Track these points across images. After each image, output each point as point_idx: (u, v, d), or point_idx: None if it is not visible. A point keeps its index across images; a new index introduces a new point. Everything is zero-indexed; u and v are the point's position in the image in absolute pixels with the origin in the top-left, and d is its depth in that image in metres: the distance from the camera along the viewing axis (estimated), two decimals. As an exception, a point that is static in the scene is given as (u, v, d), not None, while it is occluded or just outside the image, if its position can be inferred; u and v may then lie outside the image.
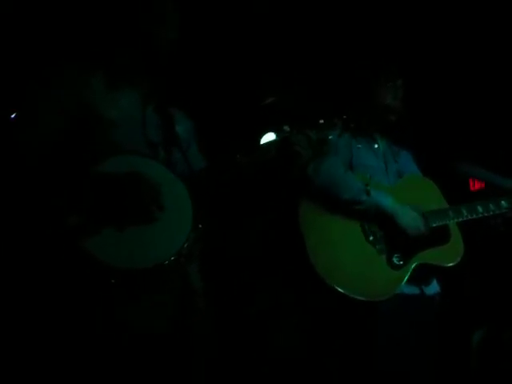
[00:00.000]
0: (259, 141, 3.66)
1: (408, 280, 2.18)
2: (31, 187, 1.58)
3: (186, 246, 1.63)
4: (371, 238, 2.22)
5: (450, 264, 2.25)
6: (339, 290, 2.09)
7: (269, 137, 3.78)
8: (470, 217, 2.35)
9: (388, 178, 2.43)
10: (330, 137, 2.01)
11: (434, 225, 2.29)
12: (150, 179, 1.62)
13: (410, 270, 2.19)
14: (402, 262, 2.19)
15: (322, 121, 1.92)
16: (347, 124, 2.00)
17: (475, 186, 3.66)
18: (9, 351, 1.68)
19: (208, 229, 1.76)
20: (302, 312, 2.61)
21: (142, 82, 1.85)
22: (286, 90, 3.73)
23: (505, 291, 3.36)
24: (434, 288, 2.34)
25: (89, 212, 1.54)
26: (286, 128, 1.89)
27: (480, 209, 2.37)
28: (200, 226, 1.70)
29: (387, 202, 2.22)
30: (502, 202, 2.41)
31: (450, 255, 2.27)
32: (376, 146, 2.50)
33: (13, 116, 1.70)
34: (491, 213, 2.39)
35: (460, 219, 2.34)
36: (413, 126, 2.78)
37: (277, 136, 1.93)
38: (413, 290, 2.24)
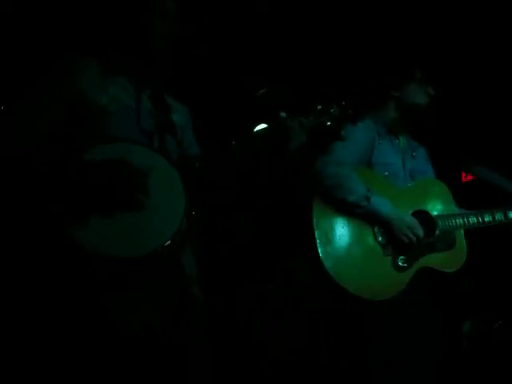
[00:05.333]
0: (253, 130, 3.71)
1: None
2: (18, 175, 1.57)
3: (177, 233, 1.61)
4: (380, 239, 2.30)
5: (452, 270, 2.35)
6: (344, 287, 2.19)
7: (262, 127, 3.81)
8: (477, 225, 2.44)
9: (404, 175, 2.49)
10: (328, 123, 1.99)
11: (440, 229, 2.37)
12: (138, 167, 1.60)
13: (414, 273, 2.29)
14: (406, 265, 2.29)
15: (319, 107, 1.89)
16: (345, 110, 2.00)
17: (467, 177, 3.73)
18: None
19: (201, 216, 1.75)
20: (301, 304, 2.73)
21: (137, 71, 1.84)
22: (281, 82, 3.71)
23: (496, 285, 3.49)
24: None
25: (76, 200, 1.53)
26: (283, 114, 1.86)
27: (487, 218, 2.45)
28: (193, 212, 1.69)
29: (385, 209, 2.29)
30: (510, 212, 2.49)
31: (452, 261, 2.37)
32: (397, 141, 2.56)
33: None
34: (498, 222, 2.47)
35: (467, 227, 2.42)
36: (432, 124, 2.81)
37: (271, 122, 1.91)
38: None
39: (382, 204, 2.31)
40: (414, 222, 2.33)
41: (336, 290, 2.22)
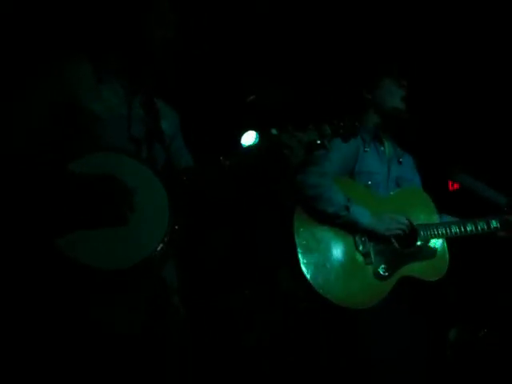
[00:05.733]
0: (240, 139, 3.71)
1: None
2: (5, 183, 1.55)
3: (160, 247, 1.61)
4: (361, 248, 2.29)
5: (433, 279, 2.34)
6: (325, 296, 2.19)
7: (249, 135, 3.81)
8: (459, 234, 2.43)
9: (388, 184, 2.49)
10: (318, 141, 2.01)
11: (422, 238, 2.36)
12: (124, 180, 1.59)
13: (395, 282, 2.28)
14: (387, 274, 2.28)
15: (310, 126, 1.90)
16: (337, 129, 2.00)
17: (454, 186, 3.74)
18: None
19: (184, 230, 1.75)
20: (284, 314, 2.72)
21: (130, 77, 1.83)
22: (270, 89, 3.72)
23: (480, 293, 3.50)
24: None
25: (60, 211, 1.52)
26: (274, 131, 1.87)
27: (469, 227, 2.45)
28: (176, 227, 1.68)
29: (364, 219, 2.29)
30: (493, 221, 2.48)
31: (434, 270, 2.36)
32: (382, 148, 2.55)
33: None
34: (480, 231, 2.46)
35: (449, 236, 2.41)
36: (417, 131, 2.81)
37: (261, 138, 1.91)
38: None
39: (362, 214, 2.31)
40: (392, 216, 2.34)
41: (318, 300, 2.22)
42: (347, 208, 2.29)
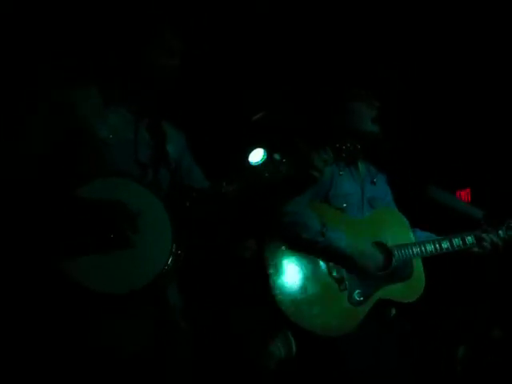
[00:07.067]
0: (248, 157, 3.78)
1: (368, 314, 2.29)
2: (12, 205, 1.64)
3: (163, 271, 1.68)
4: (334, 274, 2.31)
5: (410, 300, 2.34)
6: (300, 325, 2.21)
7: (257, 152, 3.88)
8: (434, 253, 2.43)
9: (363, 205, 2.50)
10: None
11: (397, 259, 2.37)
12: (128, 204, 1.66)
13: (371, 306, 2.29)
14: (362, 299, 2.29)
15: (314, 152, 1.96)
16: (339, 153, 2.05)
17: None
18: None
19: (187, 254, 1.79)
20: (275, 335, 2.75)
21: (137, 101, 1.90)
22: (274, 106, 3.79)
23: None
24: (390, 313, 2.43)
25: (65, 234, 1.59)
26: (277, 156, 1.95)
27: (445, 245, 2.45)
28: (179, 252, 1.74)
29: (341, 243, 2.31)
30: (468, 237, 2.48)
31: (410, 291, 2.36)
32: (356, 170, 2.58)
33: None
34: (456, 248, 2.46)
35: (424, 255, 2.42)
36: (390, 149, 2.84)
37: (267, 161, 1.99)
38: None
39: (338, 238, 2.33)
40: (374, 251, 2.35)
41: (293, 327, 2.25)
42: (323, 234, 2.31)
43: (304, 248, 2.32)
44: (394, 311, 2.42)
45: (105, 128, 1.79)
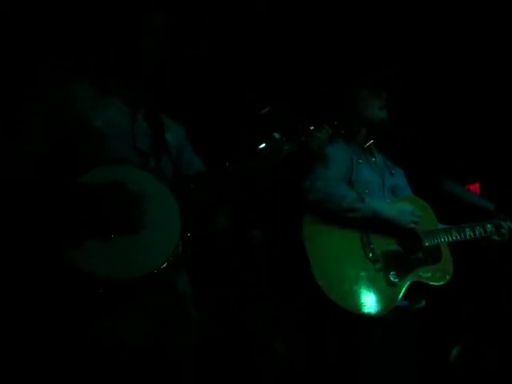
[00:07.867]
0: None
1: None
2: (15, 197, 1.61)
3: (173, 256, 1.64)
4: (370, 255, 2.36)
5: (441, 283, 2.42)
6: (340, 305, 2.23)
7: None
8: (459, 239, 2.54)
9: (384, 193, 2.57)
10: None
11: (427, 244, 2.46)
12: (132, 189, 1.63)
13: (405, 287, 2.35)
14: (397, 280, 2.35)
15: (312, 127, 2.00)
16: (338, 130, 2.09)
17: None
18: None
19: (196, 237, 1.79)
20: (298, 323, 2.74)
21: (131, 91, 1.89)
22: (277, 100, 3.85)
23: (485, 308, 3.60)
24: (420, 303, 2.50)
25: (72, 222, 1.56)
26: (276, 135, 1.97)
27: (468, 232, 2.57)
28: (188, 234, 1.72)
29: (382, 206, 2.37)
30: (488, 225, 2.62)
31: (441, 274, 2.44)
32: (373, 159, 2.65)
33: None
34: (478, 235, 2.59)
35: (450, 240, 2.52)
36: (403, 143, 2.95)
37: (267, 142, 1.99)
38: (402, 303, 2.38)
39: (377, 202, 2.38)
40: (411, 207, 2.43)
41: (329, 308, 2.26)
42: (362, 200, 2.33)
43: (343, 220, 2.32)
44: (423, 303, 2.49)
45: (99, 119, 1.78)
